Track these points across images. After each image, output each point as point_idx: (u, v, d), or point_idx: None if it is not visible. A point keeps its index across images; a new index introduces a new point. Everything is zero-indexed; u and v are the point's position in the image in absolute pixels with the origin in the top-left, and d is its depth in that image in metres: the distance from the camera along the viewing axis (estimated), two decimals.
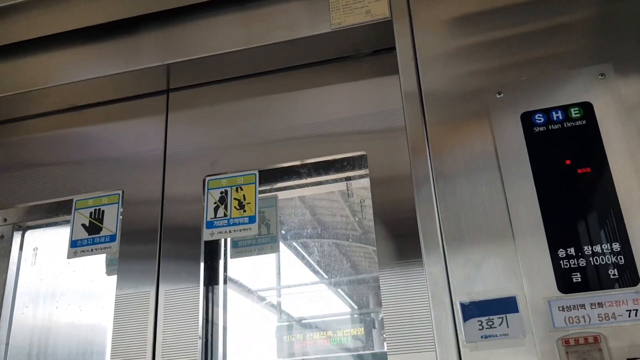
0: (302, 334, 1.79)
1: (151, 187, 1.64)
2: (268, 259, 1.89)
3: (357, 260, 1.88)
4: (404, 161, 1.46)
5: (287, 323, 1.88)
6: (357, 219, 1.82)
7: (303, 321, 1.86)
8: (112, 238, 1.60)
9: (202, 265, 1.53)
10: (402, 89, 1.46)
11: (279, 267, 1.93)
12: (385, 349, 1.33)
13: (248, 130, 1.64)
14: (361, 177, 1.66)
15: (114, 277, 1.57)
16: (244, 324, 1.72)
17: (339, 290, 1.87)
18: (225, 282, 1.67)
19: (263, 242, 1.65)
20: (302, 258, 1.89)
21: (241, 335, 1.66)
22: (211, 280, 1.62)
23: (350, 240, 1.82)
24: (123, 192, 1.65)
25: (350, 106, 1.59)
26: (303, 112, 1.62)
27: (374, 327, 1.78)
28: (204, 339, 1.52)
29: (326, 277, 1.84)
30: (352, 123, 1.56)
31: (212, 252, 1.65)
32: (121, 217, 1.64)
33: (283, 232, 1.77)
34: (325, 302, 1.85)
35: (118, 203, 1.64)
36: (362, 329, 1.77)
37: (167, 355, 1.45)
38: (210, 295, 1.60)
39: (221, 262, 1.66)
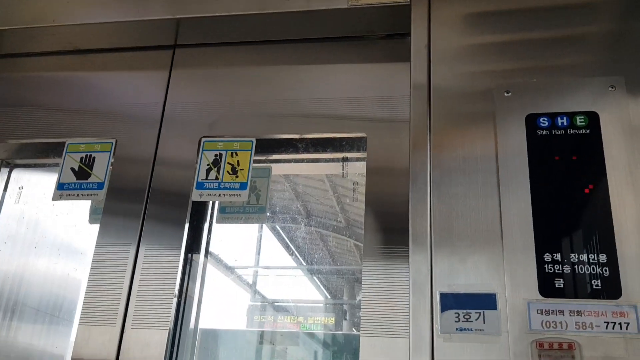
0: (274, 317, 1.79)
1: (145, 141, 1.62)
2: (250, 238, 1.89)
3: (338, 251, 1.87)
4: (403, 151, 1.45)
5: (260, 303, 1.88)
6: (344, 208, 1.81)
7: (276, 304, 1.86)
8: (100, 186, 1.58)
9: (186, 226, 1.51)
10: (411, 77, 1.45)
11: (260, 247, 1.92)
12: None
13: (250, 97, 1.62)
14: (358, 159, 1.65)
15: (96, 228, 1.55)
16: (218, 298, 1.71)
17: (314, 278, 1.87)
18: (207, 247, 1.66)
19: (251, 211, 1.64)
20: (283, 241, 1.89)
21: (214, 307, 1.65)
22: (193, 245, 1.60)
23: (332, 230, 1.82)
24: (116, 141, 1.63)
25: (357, 87, 1.57)
26: (308, 86, 1.60)
27: (345, 319, 1.78)
28: (179, 304, 1.51)
29: (304, 263, 1.83)
30: (356, 104, 1.55)
31: (197, 217, 1.63)
32: (111, 167, 1.62)
33: (269, 214, 1.76)
34: (300, 287, 1.85)
35: (110, 152, 1.62)
36: (333, 318, 1.77)
37: (140, 313, 1.43)
38: (189, 260, 1.59)
39: (206, 225, 1.65)
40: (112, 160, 1.62)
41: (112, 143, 1.63)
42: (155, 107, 1.66)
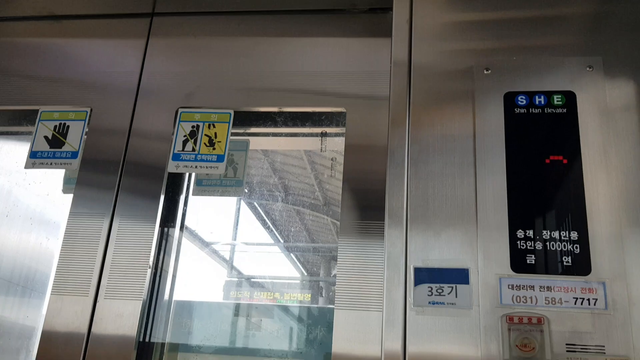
0: (250, 293, 1.79)
1: (121, 110, 1.59)
2: (227, 214, 1.87)
3: (315, 228, 1.88)
4: (382, 127, 1.45)
5: (236, 279, 1.88)
6: (322, 186, 1.81)
7: (252, 280, 1.86)
8: (74, 155, 1.56)
9: (162, 198, 1.50)
10: (392, 53, 1.44)
11: (237, 223, 1.91)
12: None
13: (229, 69, 1.59)
14: (337, 134, 1.64)
15: (70, 198, 1.53)
16: (194, 273, 1.70)
17: (291, 255, 1.87)
18: (182, 221, 1.65)
19: (228, 184, 1.63)
20: (260, 217, 1.88)
21: (189, 283, 1.64)
22: (168, 218, 1.59)
23: (310, 207, 1.81)
24: (91, 110, 1.60)
25: (337, 61, 1.56)
26: (288, 59, 1.58)
27: (321, 295, 1.79)
28: (153, 276, 1.50)
29: (281, 240, 1.83)
30: (337, 79, 1.54)
31: (173, 190, 1.62)
32: (85, 137, 1.59)
33: (246, 190, 1.75)
34: (277, 264, 1.85)
35: (85, 120, 1.59)
36: (310, 295, 1.77)
37: (113, 283, 1.42)
38: (165, 233, 1.58)
39: (182, 197, 1.63)
40: (87, 130, 1.58)
41: (86, 112, 1.60)
42: (131, 76, 1.63)
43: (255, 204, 1.89)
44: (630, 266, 1.18)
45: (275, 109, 1.57)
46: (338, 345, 1.27)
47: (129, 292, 1.41)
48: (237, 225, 1.94)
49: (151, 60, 1.65)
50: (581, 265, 1.19)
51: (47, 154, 1.56)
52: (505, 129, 1.33)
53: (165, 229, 1.58)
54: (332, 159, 1.66)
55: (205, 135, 1.52)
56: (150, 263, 1.44)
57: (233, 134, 1.57)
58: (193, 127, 1.53)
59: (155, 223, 1.47)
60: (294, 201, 1.84)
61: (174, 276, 1.59)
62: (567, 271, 1.18)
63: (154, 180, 1.51)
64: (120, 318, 1.38)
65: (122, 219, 1.47)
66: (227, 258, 1.99)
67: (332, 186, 1.82)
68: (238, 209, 1.95)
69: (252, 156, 1.82)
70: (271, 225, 1.85)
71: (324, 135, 1.62)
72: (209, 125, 1.53)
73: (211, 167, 1.49)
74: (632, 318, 1.14)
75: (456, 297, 1.20)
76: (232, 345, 1.51)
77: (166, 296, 1.56)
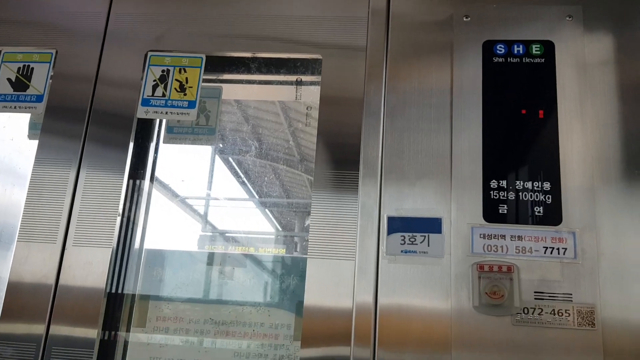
0: (224, 247, 1.77)
1: (87, 54, 1.52)
2: (201, 167, 1.84)
3: (290, 183, 1.85)
4: (358, 75, 1.42)
5: (210, 234, 1.85)
6: (298, 142, 1.78)
7: (226, 234, 1.84)
8: (39, 98, 1.49)
9: (131, 145, 1.45)
10: (370, 2, 1.42)
11: (212, 177, 1.87)
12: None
13: (201, 11, 1.53)
14: (312, 83, 1.60)
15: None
16: (166, 224, 1.67)
17: (266, 210, 1.85)
18: (153, 170, 1.61)
19: (200, 132, 1.59)
20: (233, 170, 1.85)
21: (161, 235, 1.61)
22: (138, 166, 1.55)
23: (285, 163, 1.78)
24: (57, 52, 1.53)
25: (314, 5, 1.51)
26: (263, 1, 1.52)
27: (296, 250, 1.79)
28: (124, 225, 1.47)
29: (255, 194, 1.81)
30: (313, 23, 1.49)
31: (143, 138, 1.57)
32: (51, 81, 1.52)
33: (221, 145, 1.71)
34: (252, 219, 1.83)
35: (50, 63, 1.52)
36: (284, 250, 1.76)
37: (82, 230, 1.39)
38: (135, 181, 1.54)
39: (152, 145, 1.59)
40: (52, 75, 1.52)
41: (51, 54, 1.53)
42: (98, 18, 1.56)
43: (230, 158, 1.85)
44: (601, 217, 1.19)
45: (248, 54, 1.52)
46: (310, 295, 1.27)
47: (98, 239, 1.38)
48: (211, 180, 1.90)
49: (119, 1, 1.57)
50: (552, 215, 1.20)
51: (11, 97, 1.50)
52: (482, 79, 1.31)
53: (135, 178, 1.54)
54: (307, 108, 1.63)
55: (176, 80, 1.47)
56: (120, 211, 1.41)
57: (205, 81, 1.52)
58: (163, 71, 1.48)
59: (124, 171, 1.43)
60: (270, 157, 1.81)
61: (144, 226, 1.57)
62: (538, 221, 1.19)
63: (123, 127, 1.46)
64: (89, 265, 1.36)
65: (90, 166, 1.43)
66: (201, 212, 1.97)
67: (307, 142, 1.79)
68: (212, 163, 1.91)
69: (227, 110, 1.77)
70: (244, 179, 1.82)
71: (299, 83, 1.59)
72: (180, 70, 1.48)
73: (182, 113, 1.45)
74: (600, 267, 1.16)
75: (428, 245, 1.20)
76: (205, 296, 1.51)
77: (137, 245, 1.54)
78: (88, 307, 1.34)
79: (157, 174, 1.62)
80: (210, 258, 1.59)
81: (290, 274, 1.51)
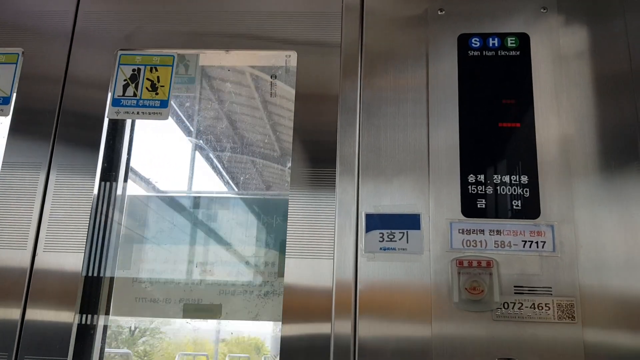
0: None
1: (55, 54, 1.48)
2: (179, 162, 1.80)
3: (270, 179, 1.83)
4: (333, 70, 1.40)
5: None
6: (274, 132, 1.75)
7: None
8: (6, 100, 1.45)
9: (102, 146, 1.41)
10: (343, 1, 1.40)
11: (192, 172, 1.84)
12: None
13: (173, 8, 1.49)
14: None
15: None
16: (143, 228, 1.63)
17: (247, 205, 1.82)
18: (126, 170, 1.57)
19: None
20: (213, 165, 1.81)
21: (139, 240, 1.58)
22: (110, 168, 1.51)
23: (263, 158, 1.76)
24: (23, 52, 1.48)
25: (287, 1, 1.48)
26: None
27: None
28: (94, 229, 1.43)
29: (235, 189, 1.78)
30: (286, 19, 1.46)
31: (115, 138, 1.53)
32: (17, 82, 1.47)
33: (201, 142, 1.68)
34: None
35: (16, 64, 1.47)
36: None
37: (53, 236, 1.35)
38: (107, 184, 1.50)
39: (125, 145, 1.56)
40: (19, 76, 1.47)
41: (18, 54, 1.49)
42: (66, 16, 1.51)
43: (209, 153, 1.82)
44: (578, 210, 1.19)
45: (222, 52, 1.49)
46: (288, 294, 1.24)
47: (69, 245, 1.34)
48: (192, 175, 1.86)
49: None
50: (530, 209, 1.19)
51: None
52: (458, 73, 1.30)
53: (108, 179, 1.51)
54: (271, 76, 1.58)
55: (147, 79, 1.43)
56: (91, 214, 1.37)
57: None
58: (134, 70, 1.44)
59: (95, 172, 1.39)
60: (250, 152, 1.77)
61: (118, 234, 1.53)
62: (516, 215, 1.19)
63: (93, 128, 1.42)
64: (61, 270, 1.32)
65: (60, 169, 1.39)
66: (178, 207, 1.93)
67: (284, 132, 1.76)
68: (193, 158, 1.87)
69: (204, 106, 1.74)
70: (223, 172, 1.79)
71: (273, 77, 1.56)
72: (151, 69, 1.44)
73: (154, 113, 1.41)
74: (579, 260, 1.16)
75: (407, 242, 1.19)
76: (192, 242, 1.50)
77: (112, 249, 1.50)
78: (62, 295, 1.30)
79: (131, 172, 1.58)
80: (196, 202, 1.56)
81: (273, 214, 1.50)
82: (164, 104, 1.42)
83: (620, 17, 1.30)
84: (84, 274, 1.33)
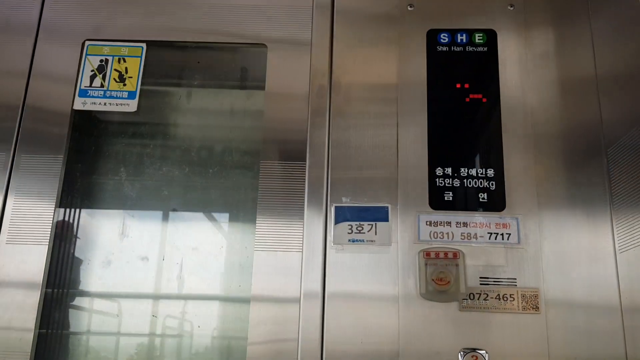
0: None
1: (20, 46, 1.44)
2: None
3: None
4: (304, 67, 1.40)
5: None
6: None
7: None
8: None
9: (68, 140, 1.38)
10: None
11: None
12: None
13: None
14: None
15: None
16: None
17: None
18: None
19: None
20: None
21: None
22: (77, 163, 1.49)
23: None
24: None
25: None
26: None
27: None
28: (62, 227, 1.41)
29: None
30: (258, 14, 1.46)
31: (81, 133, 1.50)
32: None
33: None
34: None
35: None
36: None
37: (16, 230, 1.32)
38: (72, 189, 1.47)
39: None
40: None
41: None
42: (31, 7, 1.48)
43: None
44: (543, 202, 1.21)
45: (191, 42, 1.47)
46: (257, 287, 1.24)
47: (33, 237, 1.31)
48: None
49: None
50: (496, 201, 1.21)
51: None
52: (427, 68, 1.31)
53: (74, 174, 1.48)
54: (241, 70, 1.57)
55: (115, 70, 1.41)
56: (56, 208, 1.34)
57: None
58: (101, 61, 1.42)
59: (60, 167, 1.36)
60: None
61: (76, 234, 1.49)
62: (483, 207, 1.20)
63: (59, 123, 1.39)
64: (23, 264, 1.29)
65: (24, 165, 1.35)
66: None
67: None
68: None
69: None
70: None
71: (244, 70, 1.55)
72: (119, 60, 1.42)
73: (122, 104, 1.39)
74: (543, 251, 1.18)
75: (376, 234, 1.19)
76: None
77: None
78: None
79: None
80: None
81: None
82: (132, 95, 1.40)
83: (585, 19, 1.33)
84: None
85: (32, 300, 1.27)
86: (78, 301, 1.42)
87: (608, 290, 1.15)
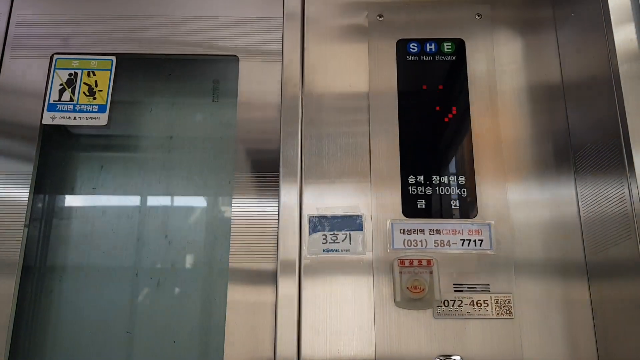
0: None
1: None
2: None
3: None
4: (275, 78, 1.40)
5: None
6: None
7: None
8: None
9: (36, 155, 1.36)
10: (284, 5, 1.42)
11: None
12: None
13: (111, 11, 1.46)
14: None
15: None
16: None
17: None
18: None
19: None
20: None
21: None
22: (45, 179, 1.46)
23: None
24: None
25: (229, 6, 1.48)
26: (175, 1, 1.48)
27: None
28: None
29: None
30: (229, 25, 1.46)
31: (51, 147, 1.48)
32: None
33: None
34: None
35: None
36: None
37: None
38: (44, 194, 1.45)
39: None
40: None
41: None
42: None
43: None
44: (514, 208, 1.23)
45: (161, 55, 1.46)
46: (233, 295, 1.23)
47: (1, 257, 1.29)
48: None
49: (22, 1, 1.48)
50: (468, 208, 1.22)
51: None
52: (397, 77, 1.33)
53: (44, 190, 1.46)
54: (213, 82, 1.56)
55: (85, 83, 1.40)
56: (25, 224, 1.31)
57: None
58: (70, 74, 1.40)
59: (29, 183, 1.34)
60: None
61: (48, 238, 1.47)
62: (455, 214, 1.21)
63: (28, 137, 1.37)
64: None
65: None
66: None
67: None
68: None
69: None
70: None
71: (216, 82, 1.55)
72: (89, 73, 1.41)
73: (92, 118, 1.38)
74: (515, 257, 1.19)
75: (350, 243, 1.19)
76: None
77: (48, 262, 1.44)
78: None
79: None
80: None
81: None
82: (102, 108, 1.39)
83: (551, 29, 1.36)
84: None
85: None
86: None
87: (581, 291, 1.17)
